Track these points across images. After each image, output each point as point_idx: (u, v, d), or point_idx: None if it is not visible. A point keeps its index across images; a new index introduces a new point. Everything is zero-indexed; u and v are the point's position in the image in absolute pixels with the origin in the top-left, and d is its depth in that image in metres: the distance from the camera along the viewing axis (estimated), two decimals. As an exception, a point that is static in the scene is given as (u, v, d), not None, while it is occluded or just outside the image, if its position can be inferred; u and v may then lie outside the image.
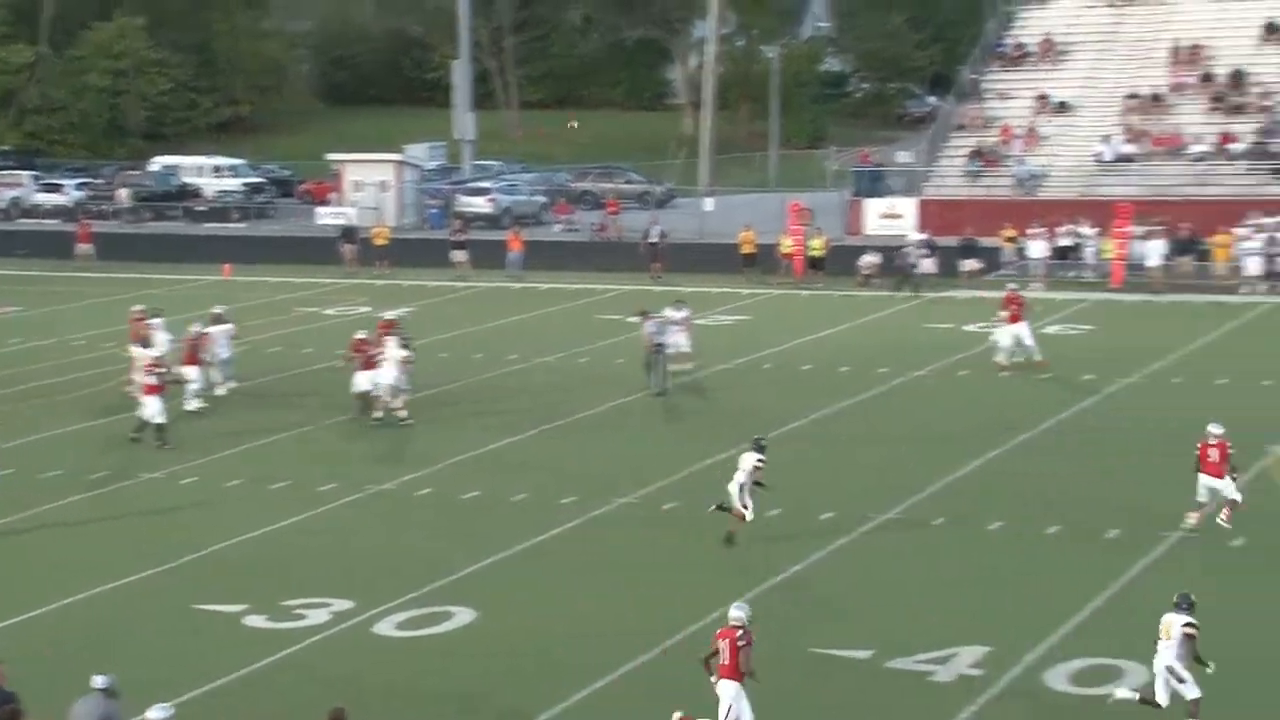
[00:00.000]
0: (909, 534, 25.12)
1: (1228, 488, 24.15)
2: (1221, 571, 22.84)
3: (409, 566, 23.66)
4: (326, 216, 66.00)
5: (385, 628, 21.28)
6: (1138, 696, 17.78)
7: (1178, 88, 58.74)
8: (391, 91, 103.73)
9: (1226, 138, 55.57)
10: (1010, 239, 51.62)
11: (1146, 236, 48.83)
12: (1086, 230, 50.41)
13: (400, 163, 69.50)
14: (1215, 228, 49.10)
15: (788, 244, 52.37)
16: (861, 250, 52.20)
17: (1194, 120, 57.35)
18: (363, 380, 33.27)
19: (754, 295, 49.78)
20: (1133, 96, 58.90)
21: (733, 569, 23.36)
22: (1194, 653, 17.43)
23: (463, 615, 21.60)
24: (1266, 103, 56.43)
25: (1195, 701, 17.33)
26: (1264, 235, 47.53)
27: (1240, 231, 48.23)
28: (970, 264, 50.36)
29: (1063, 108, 59.86)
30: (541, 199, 69.52)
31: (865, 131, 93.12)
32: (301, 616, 21.64)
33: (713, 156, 74.07)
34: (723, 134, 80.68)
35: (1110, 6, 63.29)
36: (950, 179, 59.56)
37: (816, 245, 52.34)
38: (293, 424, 33.13)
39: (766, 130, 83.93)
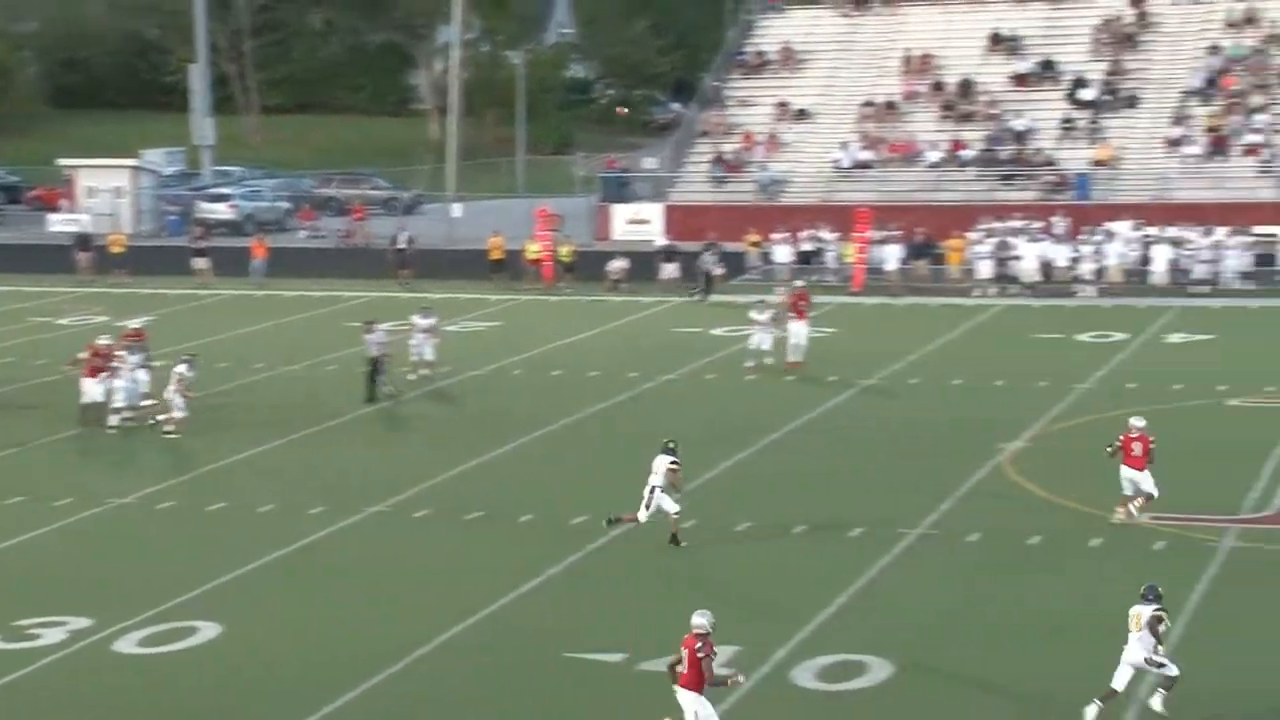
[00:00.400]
0: (663, 536, 25.31)
1: (1146, 481, 24.58)
2: (960, 567, 23.51)
3: (151, 581, 23.06)
4: (59, 224, 64.02)
5: (126, 645, 20.70)
6: (1098, 706, 17.52)
7: (910, 96, 60.39)
8: (127, 95, 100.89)
9: (957, 145, 57.32)
10: (755, 244, 52.49)
11: (884, 241, 50.10)
12: (827, 235, 51.49)
13: (136, 168, 67.71)
14: (949, 232, 50.59)
15: (535, 249, 52.47)
16: (610, 255, 52.55)
17: (926, 128, 59.00)
18: (92, 389, 32.32)
19: (504, 301, 49.75)
20: (868, 104, 60.37)
21: (485, 575, 23.28)
22: (1155, 638, 17.52)
23: (207, 630, 21.13)
24: (993, 111, 58.34)
25: (1174, 679, 17.49)
26: (995, 239, 49.11)
27: (972, 236, 49.75)
28: (716, 269, 51.04)
29: (802, 115, 61.08)
30: (285, 205, 68.41)
31: (612, 137, 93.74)
32: (36, 636, 20.93)
33: (459, 162, 73.78)
34: (469, 140, 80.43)
35: (845, 16, 64.76)
36: (695, 185, 60.31)
37: (565, 251, 52.54)
38: (27, 437, 32.06)
39: (513, 136, 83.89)
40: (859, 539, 24.82)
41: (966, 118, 58.68)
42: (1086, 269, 47.31)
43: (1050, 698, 18.66)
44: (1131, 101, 57.34)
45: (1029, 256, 48.08)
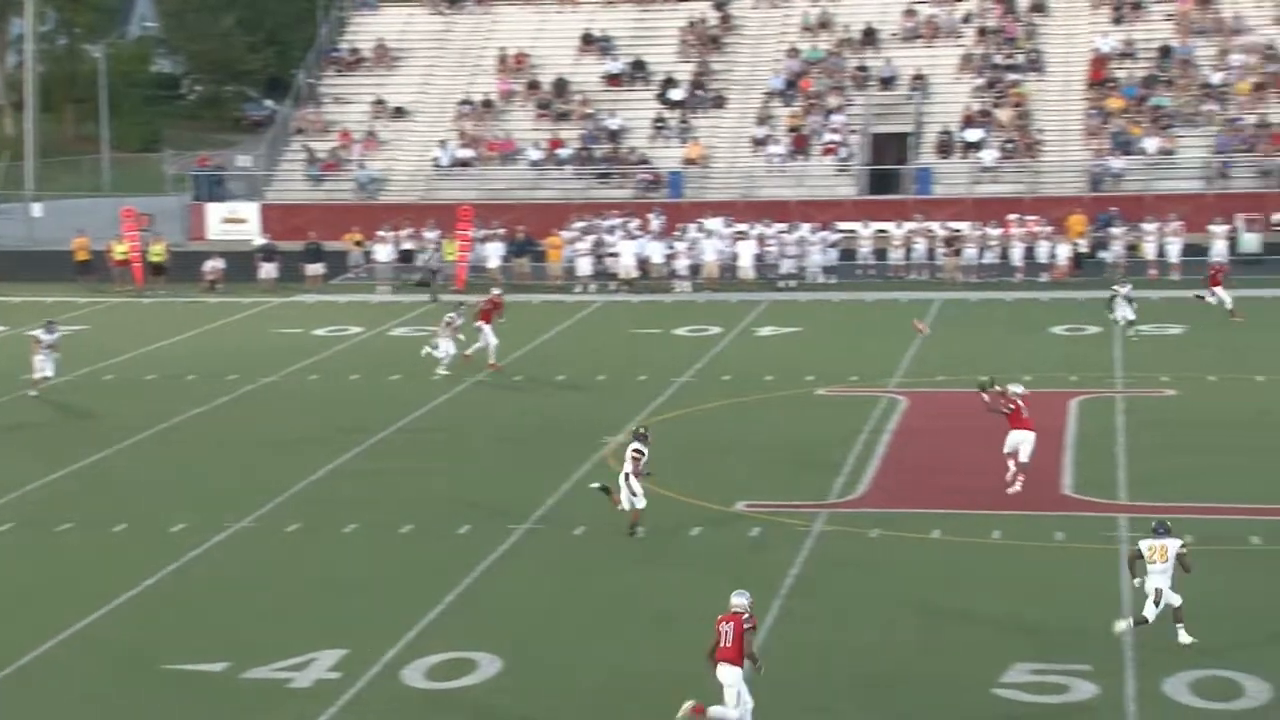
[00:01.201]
0: (264, 541, 24.89)
1: (1027, 442, 25.70)
2: (566, 560, 23.86)
3: None
4: None
5: None
6: (1131, 621, 19.47)
7: (507, 95, 60.86)
8: None
9: (556, 143, 58.07)
10: (358, 243, 52.03)
11: (486, 239, 50.33)
12: (430, 234, 51.44)
13: None
14: (549, 230, 51.20)
15: (122, 250, 50.76)
16: (205, 256, 51.25)
17: (524, 126, 59.57)
18: None
19: (92, 304, 47.97)
20: (466, 103, 60.55)
21: (76, 590, 22.41)
22: (1185, 568, 19.52)
23: None
24: (588, 110, 59.33)
25: (1179, 609, 19.44)
26: (593, 237, 49.95)
27: (566, 234, 50.44)
28: (315, 269, 50.40)
29: (399, 113, 60.83)
30: None
31: (203, 135, 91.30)
32: None
33: (38, 160, 70.70)
34: (48, 136, 77.17)
35: (438, 14, 64.79)
36: (292, 184, 59.37)
37: (157, 251, 50.99)
38: None
39: (96, 133, 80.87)
40: (467, 536, 24.91)
41: (563, 117, 59.49)
42: (682, 265, 48.58)
43: (656, 684, 19.12)
44: (719, 102, 59.13)
45: (626, 254, 49.10)
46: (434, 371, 36.20)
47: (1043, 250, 47.90)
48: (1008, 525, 24.61)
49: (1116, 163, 53.35)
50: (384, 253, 50.86)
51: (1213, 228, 47.55)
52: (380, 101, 61.20)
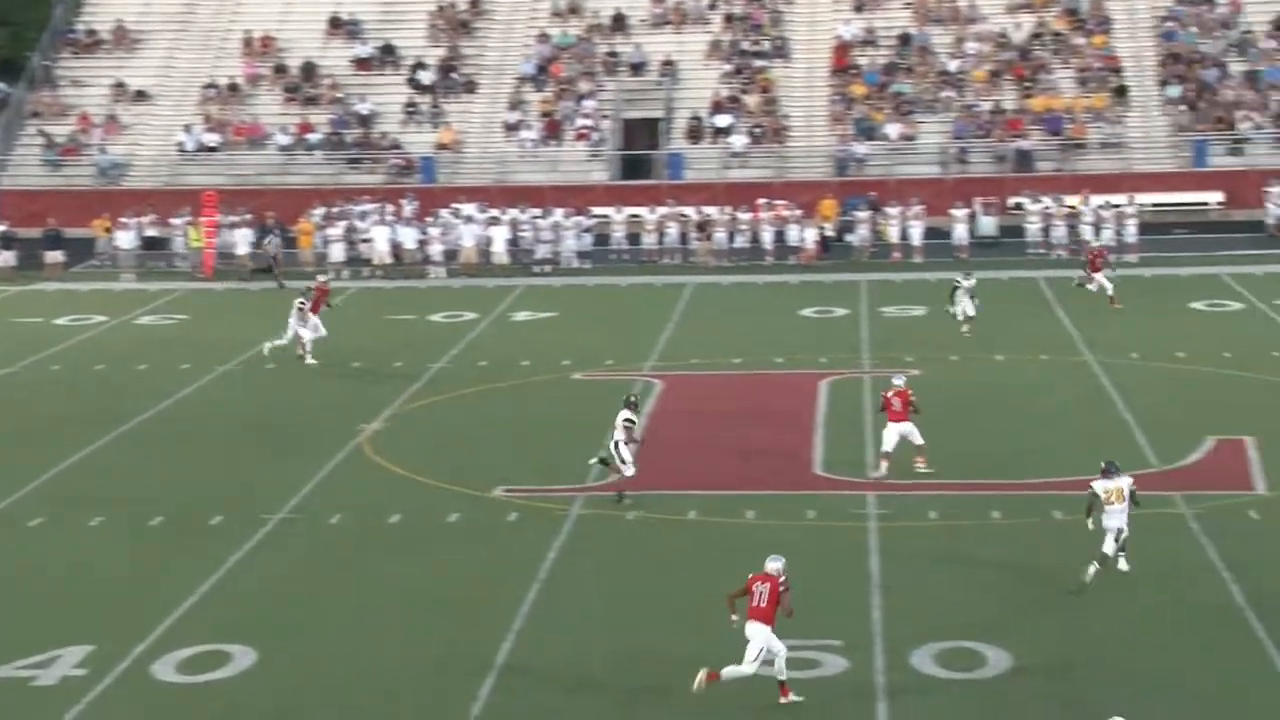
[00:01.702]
0: (5, 536, 24.11)
1: (913, 433, 25.92)
2: (322, 550, 23.59)
3: None
4: None
5: None
6: (1095, 566, 20.71)
7: (253, 79, 59.76)
8: None
9: (305, 128, 57.21)
10: (106, 229, 50.57)
11: (234, 225, 49.39)
12: (175, 220, 50.27)
13: None
14: (299, 215, 50.44)
15: None
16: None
17: (271, 111, 58.56)
18: None
19: None
20: (211, 86, 59.29)
21: None
22: (1136, 503, 21.00)
23: None
24: (337, 94, 58.58)
25: (1106, 558, 20.86)
26: (345, 222, 49.36)
27: (313, 219, 49.74)
28: (54, 256, 48.88)
29: (141, 96, 59.28)
30: None
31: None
32: None
33: None
34: None
35: (182, -5, 63.33)
36: (28, 168, 57.47)
37: (-116, 240, 48.93)
38: None
39: None
40: (219, 527, 24.48)
41: (311, 101, 58.64)
42: (436, 251, 48.31)
43: (414, 672, 19.05)
44: (470, 87, 58.90)
45: (379, 239, 48.65)
46: (304, 360, 35.48)
47: (793, 234, 48.79)
48: (761, 505, 25.05)
49: (860, 148, 54.58)
50: (126, 240, 49.56)
51: (954, 211, 48.97)
52: (120, 84, 59.57)
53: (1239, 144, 53.69)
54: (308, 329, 35.87)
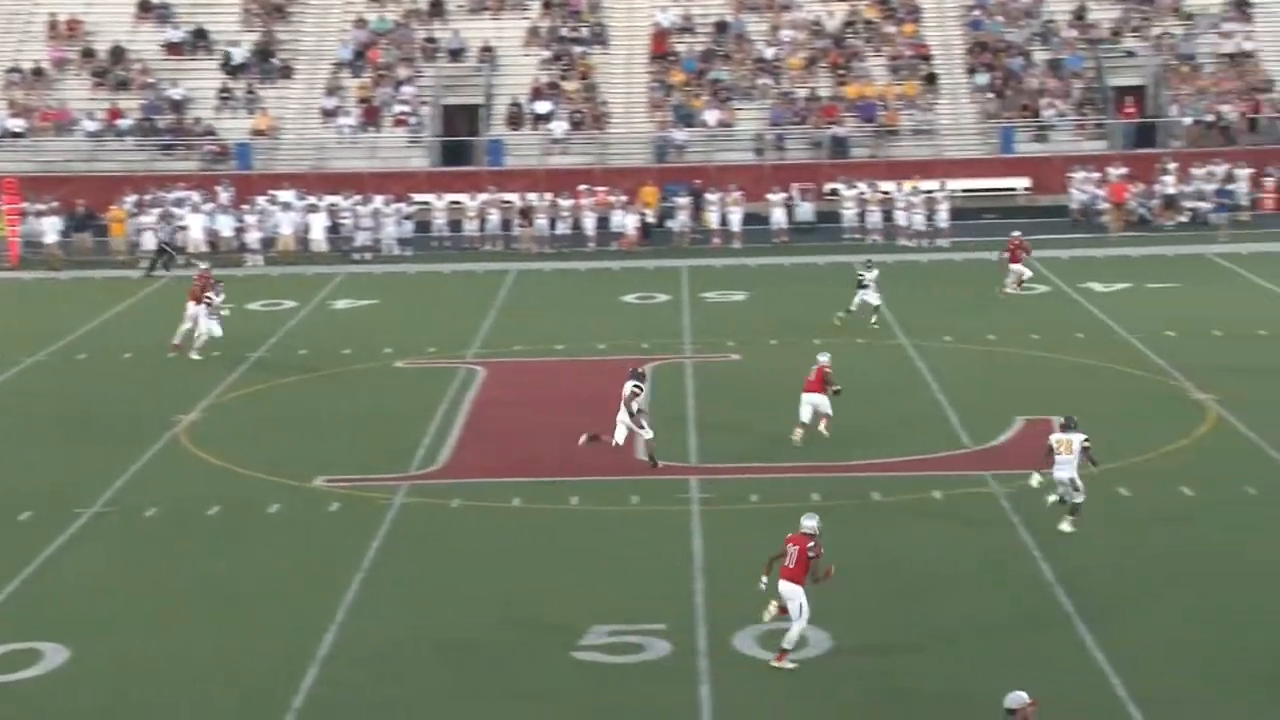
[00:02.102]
0: None
1: (823, 403, 26.92)
2: (138, 543, 23.11)
3: None
4: None
5: None
6: (1070, 519, 22.01)
7: (59, 63, 58.24)
8: None
9: (115, 113, 55.92)
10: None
11: (42, 214, 48.11)
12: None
13: None
14: (110, 203, 49.31)
15: None
16: None
17: (80, 96, 57.13)
18: None
19: None
20: (15, 71, 57.67)
21: None
22: (1089, 460, 22.26)
23: None
24: (149, 79, 57.34)
25: (1077, 506, 22.05)
26: (159, 209, 48.38)
27: (124, 207, 48.69)
28: None
29: (-57, 81, 57.51)
30: None
31: None
32: None
33: None
34: None
35: (-18, -23, 61.47)
36: None
37: None
38: None
39: None
40: (29, 522, 23.87)
41: (121, 86, 57.32)
42: (253, 238, 47.56)
43: (237, 663, 18.75)
44: (286, 72, 58.02)
45: (195, 227, 47.70)
46: (196, 354, 34.36)
47: (615, 220, 48.85)
48: (585, 491, 25.06)
49: (679, 134, 54.82)
50: (-68, 228, 48.04)
51: (771, 197, 49.42)
52: (-80, 69, 57.71)
53: (1044, 131, 54.91)
54: (218, 322, 34.77)
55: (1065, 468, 22.28)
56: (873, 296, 36.16)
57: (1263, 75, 55.81)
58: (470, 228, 49.22)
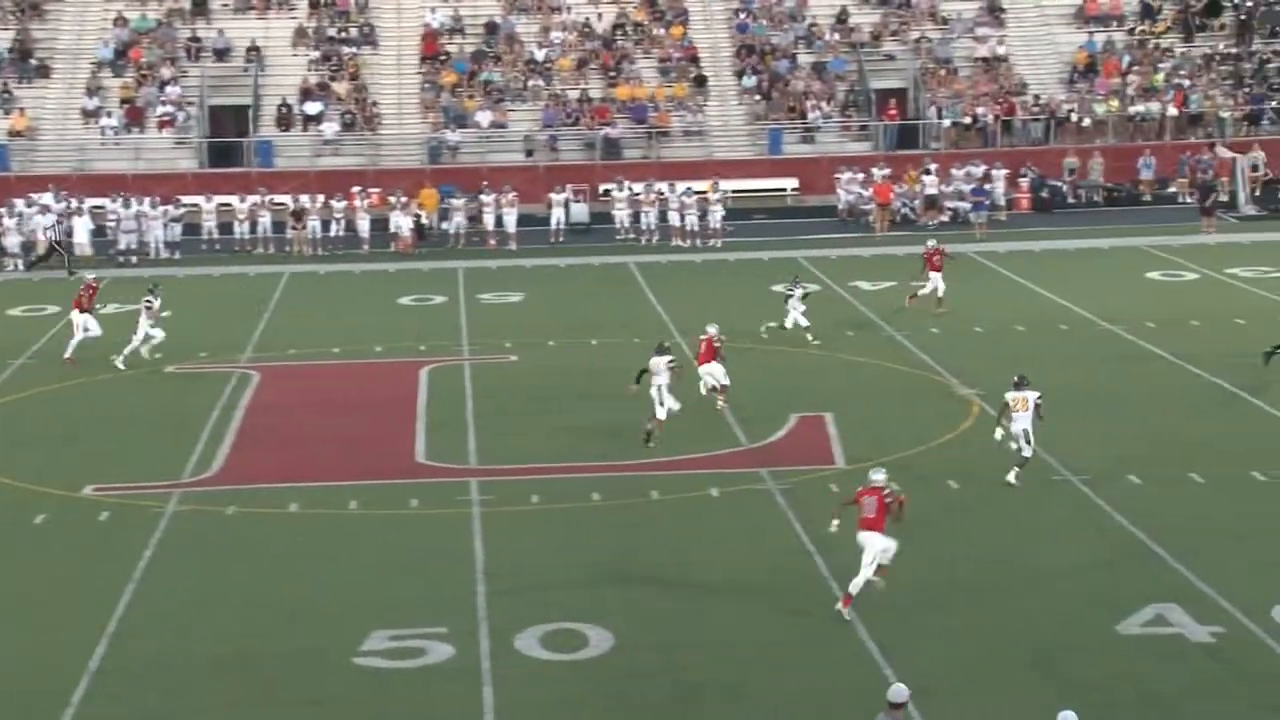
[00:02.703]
0: None
1: (716, 371, 28.73)
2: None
3: None
4: None
5: None
6: (1016, 470, 24.25)
7: None
8: None
9: None
10: None
11: None
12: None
13: None
14: None
15: None
16: None
17: None
18: None
19: None
20: None
21: None
22: (1040, 416, 24.14)
23: None
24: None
25: (1025, 460, 24.22)
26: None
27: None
28: None
29: None
30: None
31: None
32: None
33: None
34: None
35: None
36: None
37: None
38: None
39: None
40: None
41: None
42: (12, 243, 46.03)
43: (3, 678, 18.15)
44: (44, 71, 56.33)
45: (-50, 231, 46.00)
46: (151, 358, 33.25)
47: (390, 223, 48.35)
48: (364, 495, 24.78)
49: (452, 136, 54.54)
50: None
51: (554, 196, 49.34)
52: None
53: (810, 132, 55.88)
54: (159, 328, 33.59)
55: (1022, 420, 24.26)
56: (800, 317, 34.52)
57: (1016, 79, 57.56)
58: (241, 230, 48.30)
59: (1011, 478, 24.37)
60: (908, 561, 21.09)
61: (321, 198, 48.83)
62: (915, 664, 18.27)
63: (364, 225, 48.10)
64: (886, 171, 51.15)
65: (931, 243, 38.40)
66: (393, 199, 48.54)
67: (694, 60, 58.10)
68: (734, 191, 51.68)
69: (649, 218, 48.78)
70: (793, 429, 28.16)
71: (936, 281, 36.90)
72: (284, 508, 24.27)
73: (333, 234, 48.14)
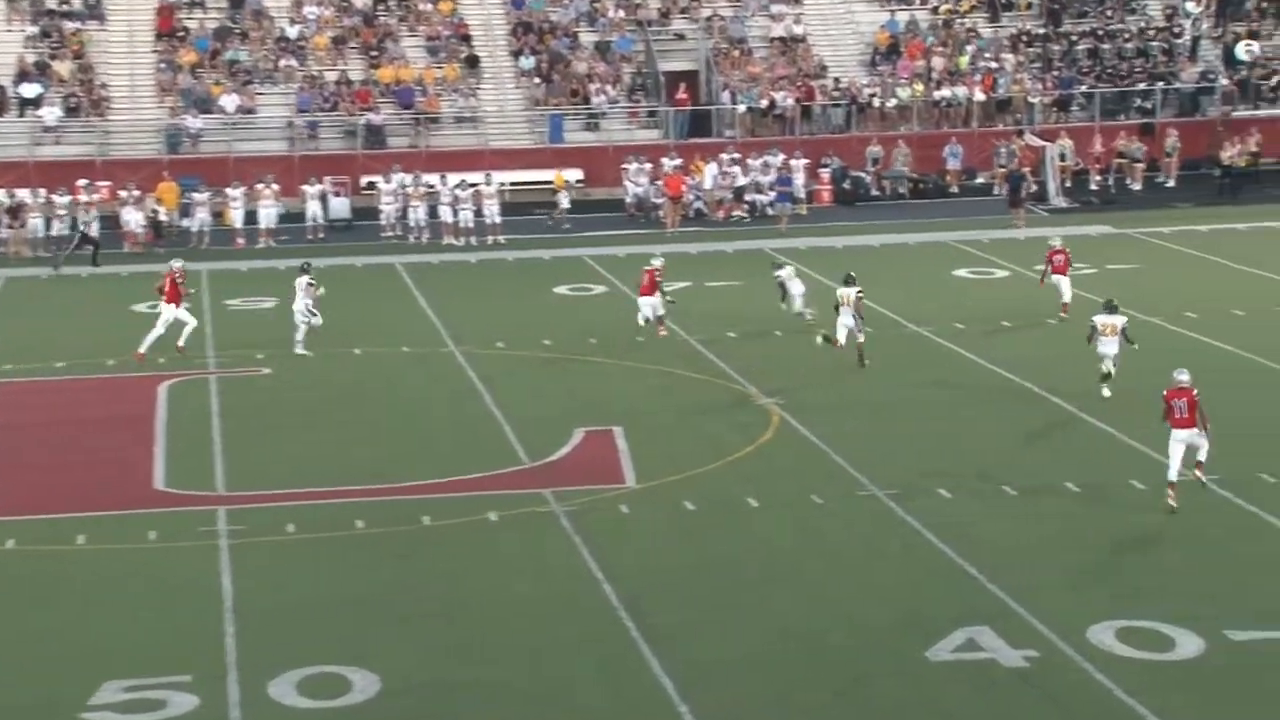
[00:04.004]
0: None
1: (657, 304, 34.39)
2: None
3: None
4: None
5: None
6: (1104, 388, 29.33)
7: None
8: None
9: None
10: None
11: None
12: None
13: None
14: None
15: None
16: None
17: None
18: None
19: None
20: None
21: None
22: (1129, 340, 29.34)
23: None
24: None
25: (1111, 373, 29.44)
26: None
27: None
28: None
29: None
30: None
31: None
32: None
33: None
34: None
35: None
36: None
37: None
38: None
39: None
40: None
41: None
42: None
43: None
44: None
45: None
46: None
47: (123, 219, 47.36)
48: (93, 528, 24.22)
49: (194, 122, 53.65)
50: None
51: (307, 189, 48.80)
52: None
53: (594, 119, 56.14)
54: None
55: (1110, 344, 29.33)
56: (797, 299, 35.51)
57: (814, 61, 58.49)
58: (-49, 229, 46.92)
59: (1106, 392, 29.52)
60: (704, 584, 21.26)
61: (43, 192, 47.67)
62: (715, 697, 18.40)
63: (95, 225, 46.81)
64: (677, 162, 51.56)
65: (1055, 242, 36.91)
66: (124, 193, 47.56)
67: (465, 39, 58.02)
68: (511, 184, 51.70)
69: (418, 213, 48.52)
70: (578, 445, 28.21)
71: (1061, 286, 36.09)
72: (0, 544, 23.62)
73: (55, 233, 46.94)
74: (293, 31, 57.35)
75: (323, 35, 57.46)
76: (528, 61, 57.31)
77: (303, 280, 34.75)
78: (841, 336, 32.36)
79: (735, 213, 51.17)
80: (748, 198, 51.52)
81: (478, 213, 48.13)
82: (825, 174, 53.42)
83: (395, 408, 30.68)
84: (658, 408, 30.39)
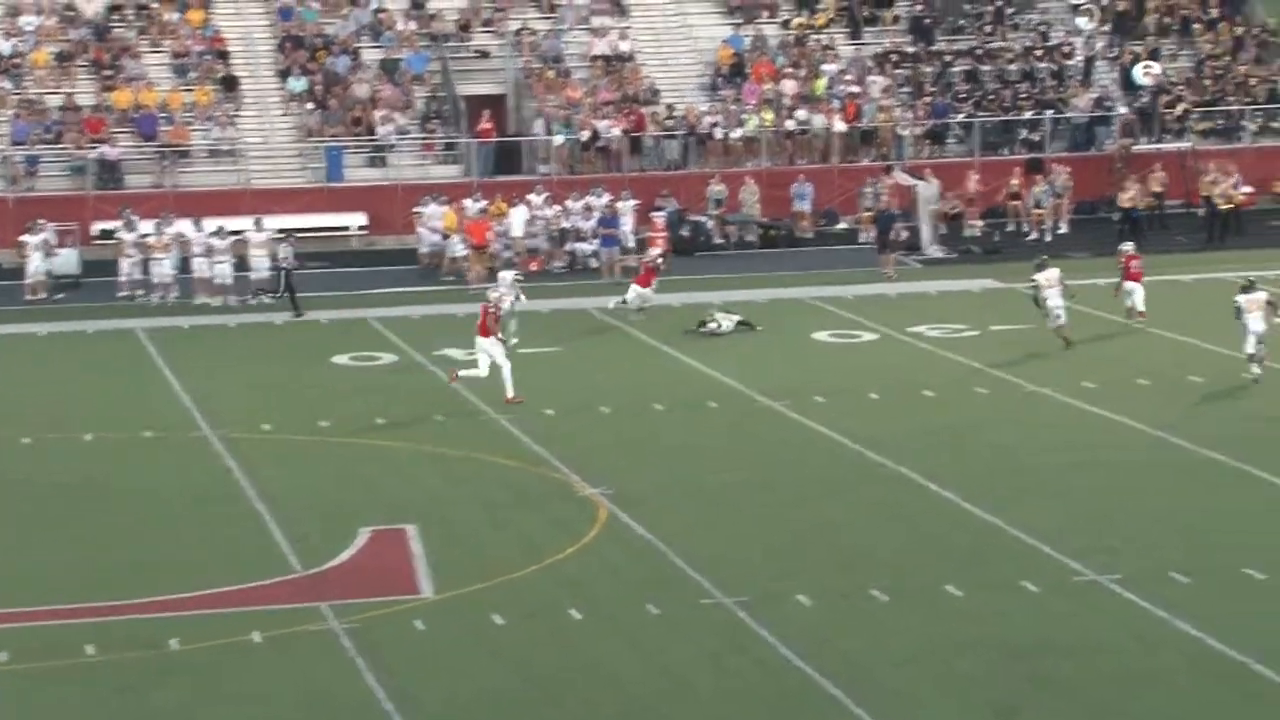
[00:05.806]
0: None
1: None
2: None
3: None
4: None
5: None
6: (1255, 367, 35.91)
7: None
8: None
9: None
10: None
11: None
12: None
13: None
14: None
15: None
16: None
17: None
18: None
19: None
20: None
21: None
22: (1274, 312, 35.73)
23: None
24: None
25: (1254, 357, 35.95)
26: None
27: None
28: None
29: None
30: None
31: None
32: None
33: None
34: None
35: None
36: None
37: None
38: None
39: None
40: None
41: None
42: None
43: None
44: None
45: None
46: None
47: None
48: None
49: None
50: None
51: (28, 238, 48.03)
52: None
53: (380, 153, 56.03)
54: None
55: (1256, 321, 35.34)
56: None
57: (644, 83, 58.81)
58: None
59: (1255, 369, 35.84)
60: (516, 716, 21.19)
61: None
62: None
63: None
64: (482, 204, 51.52)
65: (1127, 246, 43.42)
66: None
67: (221, 56, 57.76)
68: (280, 231, 51.38)
69: (164, 267, 47.92)
70: (363, 548, 28.01)
71: (1135, 294, 42.05)
72: None
73: None
74: (5, 47, 56.64)
75: (43, 51, 56.82)
76: (298, 83, 57.11)
77: None
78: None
79: (553, 263, 51.25)
80: (568, 246, 51.58)
81: (238, 266, 47.58)
82: (659, 219, 53.57)
83: (136, 507, 30.24)
84: (460, 501, 30.27)
